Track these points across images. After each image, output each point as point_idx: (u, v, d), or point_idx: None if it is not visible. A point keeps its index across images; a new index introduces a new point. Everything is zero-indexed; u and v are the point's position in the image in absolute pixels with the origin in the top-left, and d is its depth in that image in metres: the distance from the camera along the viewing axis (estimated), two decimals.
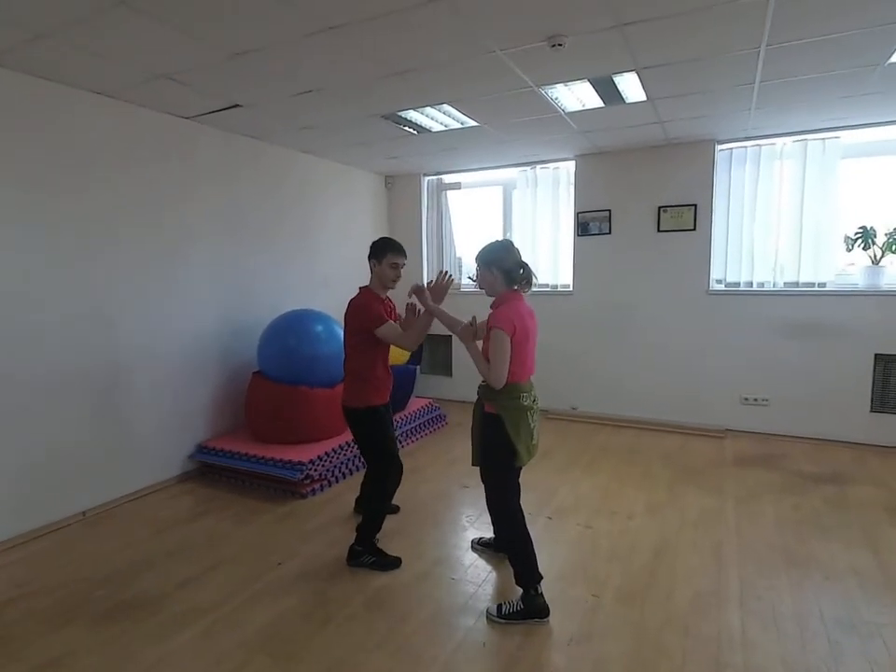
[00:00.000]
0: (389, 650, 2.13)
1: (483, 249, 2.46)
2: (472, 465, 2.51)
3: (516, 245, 2.48)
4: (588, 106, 3.70)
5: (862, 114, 3.95)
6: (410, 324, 2.82)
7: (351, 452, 3.95)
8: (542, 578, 2.37)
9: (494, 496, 2.48)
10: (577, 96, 3.50)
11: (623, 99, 3.54)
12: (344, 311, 2.80)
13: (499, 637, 2.20)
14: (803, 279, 4.51)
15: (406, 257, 2.83)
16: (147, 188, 3.59)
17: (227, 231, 4.20)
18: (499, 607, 2.33)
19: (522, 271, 2.39)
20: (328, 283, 5.21)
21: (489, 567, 2.74)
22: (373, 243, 2.82)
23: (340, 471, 3.87)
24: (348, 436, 3.95)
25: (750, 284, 4.70)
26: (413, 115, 3.86)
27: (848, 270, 4.53)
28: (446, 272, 2.73)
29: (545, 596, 2.33)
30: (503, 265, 2.37)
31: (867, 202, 4.40)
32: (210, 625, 2.28)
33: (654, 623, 2.27)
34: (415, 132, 4.23)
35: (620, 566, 2.71)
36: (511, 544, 2.43)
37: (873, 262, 4.38)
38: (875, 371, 4.35)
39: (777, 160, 4.52)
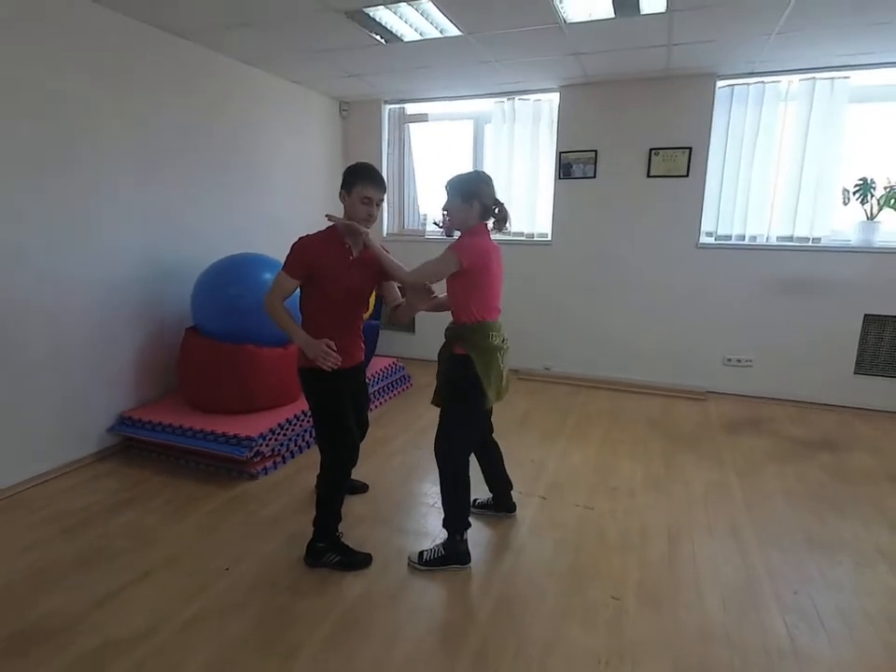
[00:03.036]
0: None
1: (460, 179, 2.19)
2: (432, 403, 2.39)
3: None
4: (594, 17, 3.12)
5: (882, 49, 3.57)
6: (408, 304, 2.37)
7: (308, 422, 3.40)
8: (470, 525, 2.31)
9: (448, 431, 2.25)
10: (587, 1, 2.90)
11: (638, 8, 2.98)
12: None
13: None
14: (798, 233, 4.23)
15: (384, 190, 2.22)
16: (27, 85, 2.74)
17: (145, 153, 3.37)
18: (420, 554, 2.26)
19: (498, 209, 2.21)
20: (276, 221, 4.47)
21: (492, 542, 2.39)
22: (345, 169, 2.23)
23: (296, 444, 3.31)
24: (304, 403, 3.39)
25: (742, 237, 4.37)
26: (384, 15, 3.14)
27: (841, 225, 4.28)
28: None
29: (566, 599, 1.94)
30: (484, 199, 2.16)
31: (870, 152, 4.11)
32: (136, 666, 1.73)
33: (691, 631, 1.93)
34: (384, 39, 3.50)
35: (635, 556, 2.36)
36: (449, 486, 2.27)
37: (868, 217, 4.13)
38: (862, 331, 4.18)
39: (782, 101, 4.12)
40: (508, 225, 2.24)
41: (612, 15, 3.08)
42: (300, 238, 2.20)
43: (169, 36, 3.43)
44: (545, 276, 4.88)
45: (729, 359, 4.53)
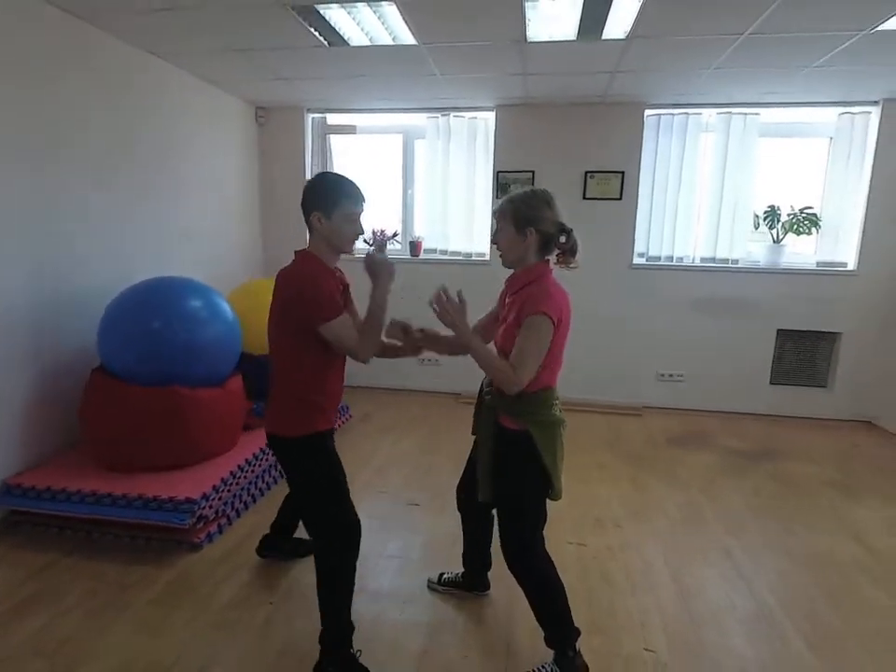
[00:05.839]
0: None
1: (511, 200, 1.77)
2: (480, 499, 1.86)
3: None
4: (556, 38, 3.06)
5: (784, 90, 3.91)
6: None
7: (258, 466, 2.93)
8: (580, 633, 1.82)
9: (515, 530, 1.81)
10: (554, 14, 2.80)
11: (601, 33, 2.97)
12: (274, 285, 1.77)
13: None
14: (718, 255, 4.52)
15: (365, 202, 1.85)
16: None
17: (40, 153, 2.74)
18: None
19: (565, 238, 1.78)
20: (189, 235, 3.90)
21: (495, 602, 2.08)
22: (312, 185, 1.79)
23: (241, 500, 2.82)
24: (245, 449, 2.94)
25: (671, 258, 4.59)
26: (336, 14, 2.84)
27: (754, 248, 4.65)
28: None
29: (604, 660, 1.77)
30: (544, 226, 1.74)
31: (777, 182, 4.51)
32: None
33: None
34: (328, 42, 3.18)
35: (650, 597, 2.24)
36: (540, 593, 1.82)
37: (774, 241, 4.53)
38: (776, 345, 4.55)
39: (703, 132, 4.40)
40: (577, 258, 1.79)
41: (574, 38, 3.04)
42: (302, 271, 1.75)
43: (66, 17, 2.82)
44: (482, 295, 4.71)
45: (662, 375, 4.71)
